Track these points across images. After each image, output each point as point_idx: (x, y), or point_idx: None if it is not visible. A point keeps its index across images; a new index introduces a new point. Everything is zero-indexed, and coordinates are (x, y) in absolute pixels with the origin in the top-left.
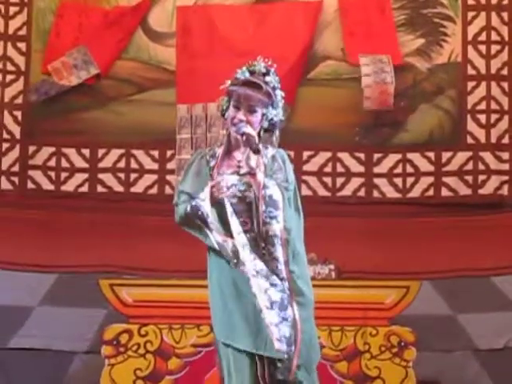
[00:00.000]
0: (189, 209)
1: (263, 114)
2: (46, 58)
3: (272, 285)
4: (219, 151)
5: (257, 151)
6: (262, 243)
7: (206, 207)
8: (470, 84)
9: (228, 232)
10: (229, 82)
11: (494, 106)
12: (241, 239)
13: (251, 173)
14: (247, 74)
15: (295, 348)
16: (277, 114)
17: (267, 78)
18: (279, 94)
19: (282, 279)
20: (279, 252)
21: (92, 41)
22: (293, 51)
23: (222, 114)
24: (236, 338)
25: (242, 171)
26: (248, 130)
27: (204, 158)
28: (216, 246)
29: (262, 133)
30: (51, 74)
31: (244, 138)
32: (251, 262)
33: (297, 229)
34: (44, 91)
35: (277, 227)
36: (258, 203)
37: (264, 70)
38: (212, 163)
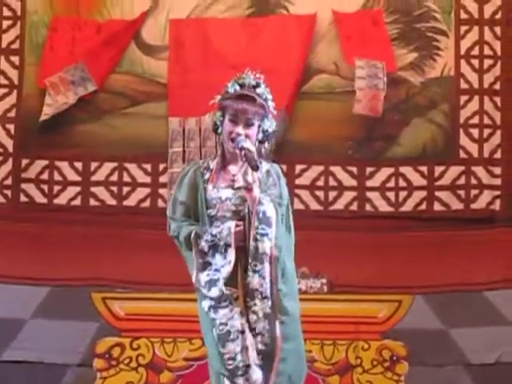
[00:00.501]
0: (193, 235)
1: (259, 126)
2: (42, 73)
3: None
4: (213, 164)
5: (256, 168)
6: (249, 259)
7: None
8: (463, 98)
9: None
10: (219, 96)
11: (486, 120)
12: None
13: (248, 188)
14: (237, 87)
15: (272, 367)
16: (271, 124)
17: (258, 90)
18: (271, 105)
19: (264, 298)
20: (266, 270)
21: (86, 55)
22: (286, 64)
23: (215, 128)
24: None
25: (237, 185)
26: (247, 144)
27: (198, 171)
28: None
29: (257, 144)
30: (47, 89)
31: (243, 152)
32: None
33: (287, 246)
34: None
35: (267, 245)
36: (252, 219)
37: (254, 83)
38: (206, 176)
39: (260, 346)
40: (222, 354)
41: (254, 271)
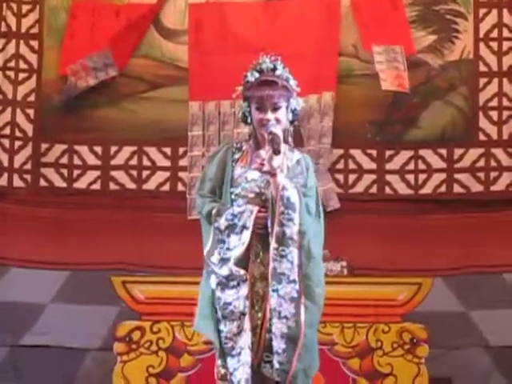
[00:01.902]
0: (214, 211)
1: (286, 107)
2: (63, 60)
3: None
4: (246, 146)
5: (277, 152)
6: (274, 244)
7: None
8: (482, 81)
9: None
10: (240, 87)
11: (505, 102)
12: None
13: (272, 173)
14: (257, 74)
15: (295, 351)
16: (297, 103)
17: (277, 73)
18: (293, 83)
19: (291, 281)
20: (293, 254)
21: (106, 41)
22: (307, 47)
23: (244, 119)
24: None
25: (265, 169)
26: (275, 129)
27: (230, 150)
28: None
29: (288, 125)
30: (68, 77)
31: (270, 137)
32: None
33: (315, 234)
34: (68, 93)
35: (293, 229)
36: (275, 204)
37: (271, 66)
38: (236, 156)
39: (284, 330)
40: (220, 331)
41: (282, 256)
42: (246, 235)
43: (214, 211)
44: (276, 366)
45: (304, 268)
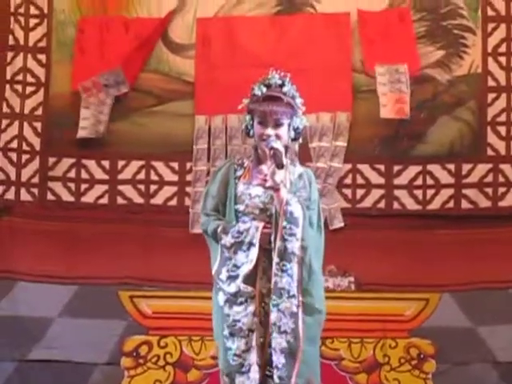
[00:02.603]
0: (219, 229)
1: (289, 125)
2: (74, 76)
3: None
4: (247, 162)
5: (281, 166)
6: (276, 259)
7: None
8: (491, 96)
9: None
10: (246, 100)
11: None
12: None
13: (275, 188)
14: (264, 89)
15: (294, 366)
16: (301, 121)
17: (284, 89)
18: (299, 101)
19: (291, 296)
20: (294, 269)
21: (117, 56)
22: (315, 63)
23: (247, 132)
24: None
25: (268, 184)
26: (276, 144)
27: (232, 167)
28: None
29: (289, 143)
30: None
31: (272, 152)
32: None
33: (316, 248)
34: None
35: (295, 245)
36: (279, 219)
37: (280, 82)
38: (239, 172)
39: (284, 344)
40: (227, 349)
41: (283, 270)
42: (254, 252)
43: (219, 229)
44: (276, 380)
45: (304, 283)
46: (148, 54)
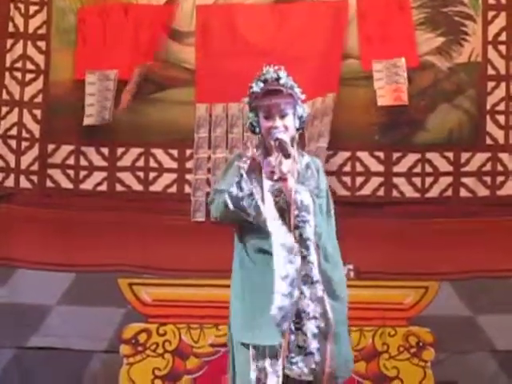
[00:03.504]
0: (228, 201)
1: (294, 115)
2: (78, 66)
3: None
4: (257, 155)
5: (288, 156)
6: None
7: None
8: (490, 84)
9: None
10: (246, 99)
11: None
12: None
13: (282, 178)
14: (261, 85)
15: (327, 350)
16: (304, 110)
17: (281, 81)
18: (298, 90)
19: (315, 282)
20: (313, 255)
21: (118, 43)
22: (314, 51)
23: (253, 130)
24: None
25: (276, 177)
26: (281, 135)
27: (242, 159)
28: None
29: (296, 133)
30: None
31: (277, 143)
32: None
33: (329, 234)
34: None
35: (310, 231)
36: (290, 208)
37: (275, 75)
38: (242, 166)
39: (315, 330)
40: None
41: (303, 257)
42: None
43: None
44: (312, 366)
45: (324, 268)
46: (155, 43)
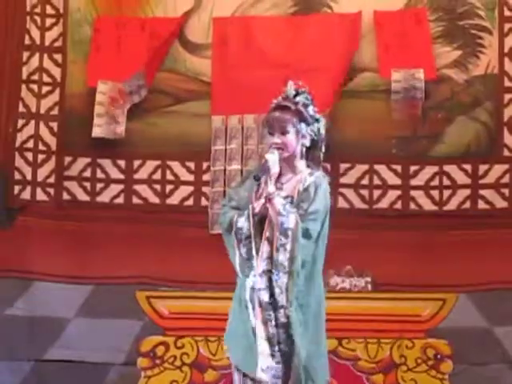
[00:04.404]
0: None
1: (297, 132)
2: (90, 73)
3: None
4: None
5: (258, 177)
6: (273, 269)
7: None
8: (507, 96)
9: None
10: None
11: None
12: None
13: (267, 198)
14: (281, 101)
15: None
16: (313, 129)
17: (297, 99)
18: (311, 109)
19: (280, 307)
20: (283, 280)
21: (133, 54)
22: (330, 63)
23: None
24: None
25: (283, 194)
26: (268, 155)
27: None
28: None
29: (303, 151)
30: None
31: (263, 161)
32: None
33: (312, 260)
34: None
35: (284, 256)
36: (275, 229)
37: (294, 92)
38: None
39: (282, 319)
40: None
41: (276, 281)
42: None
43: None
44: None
45: (290, 295)
46: (165, 54)
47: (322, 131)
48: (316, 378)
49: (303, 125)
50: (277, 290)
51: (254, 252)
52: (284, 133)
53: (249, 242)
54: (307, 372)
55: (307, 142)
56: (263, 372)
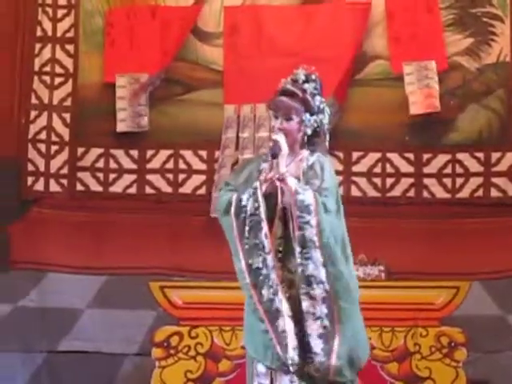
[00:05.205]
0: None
1: (301, 121)
2: (107, 68)
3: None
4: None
5: (274, 156)
6: (298, 248)
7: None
8: None
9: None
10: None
11: None
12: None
13: (280, 178)
14: (290, 83)
15: (333, 348)
16: (317, 119)
17: (305, 86)
18: (318, 99)
19: (320, 282)
20: (316, 256)
21: (146, 44)
22: (340, 52)
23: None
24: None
25: (275, 178)
26: (275, 136)
27: (258, 161)
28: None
29: (305, 139)
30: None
31: (272, 143)
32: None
33: (335, 232)
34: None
35: (311, 231)
36: (292, 209)
37: (304, 78)
38: (262, 166)
39: (320, 330)
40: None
41: (306, 258)
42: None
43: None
44: (317, 365)
45: (330, 268)
46: (180, 44)
47: (325, 121)
48: (360, 352)
49: (308, 115)
50: (311, 266)
51: (264, 231)
52: (288, 119)
53: (255, 220)
54: (347, 346)
55: (309, 131)
56: (294, 351)
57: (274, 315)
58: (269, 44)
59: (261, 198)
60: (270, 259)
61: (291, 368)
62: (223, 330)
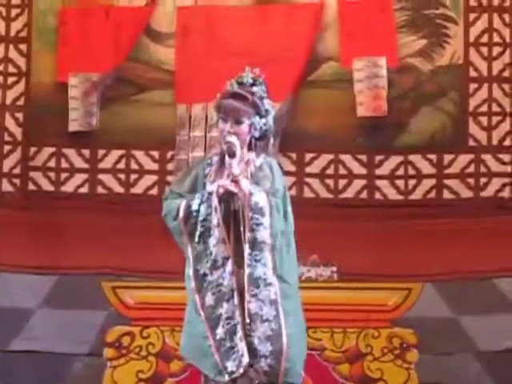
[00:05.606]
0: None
1: (251, 124)
2: (60, 68)
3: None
4: (215, 160)
5: (232, 155)
6: (248, 249)
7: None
8: (472, 86)
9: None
10: (219, 95)
11: (495, 108)
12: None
13: (234, 180)
14: (236, 86)
15: (282, 351)
16: (266, 122)
17: (254, 89)
18: (266, 103)
19: (268, 284)
20: (267, 258)
21: (99, 44)
22: (293, 52)
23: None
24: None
25: (228, 180)
26: (231, 138)
27: (202, 165)
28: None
29: (253, 142)
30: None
31: (226, 145)
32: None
33: (284, 234)
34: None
35: (264, 233)
36: (245, 210)
37: (251, 81)
38: (207, 171)
39: (268, 332)
40: (219, 315)
41: (256, 260)
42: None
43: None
44: (266, 368)
45: (278, 270)
46: (132, 45)
47: (271, 123)
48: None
49: (257, 118)
50: (260, 268)
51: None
52: (238, 123)
53: (206, 226)
54: (294, 349)
55: (257, 134)
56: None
57: (215, 322)
58: (222, 44)
59: (216, 204)
60: (219, 265)
61: (227, 376)
62: (175, 331)
